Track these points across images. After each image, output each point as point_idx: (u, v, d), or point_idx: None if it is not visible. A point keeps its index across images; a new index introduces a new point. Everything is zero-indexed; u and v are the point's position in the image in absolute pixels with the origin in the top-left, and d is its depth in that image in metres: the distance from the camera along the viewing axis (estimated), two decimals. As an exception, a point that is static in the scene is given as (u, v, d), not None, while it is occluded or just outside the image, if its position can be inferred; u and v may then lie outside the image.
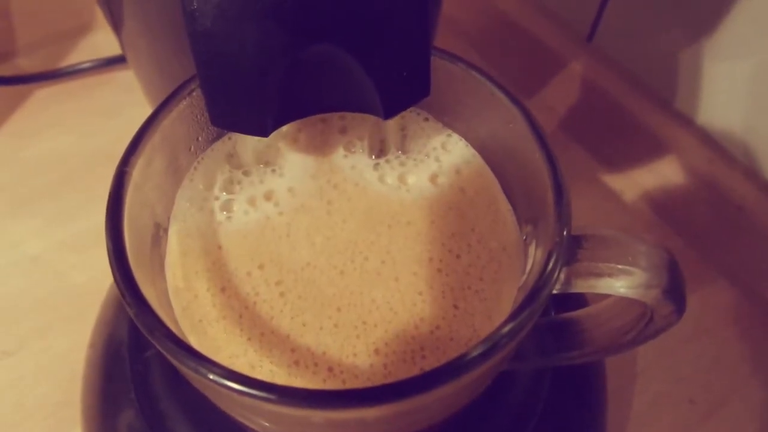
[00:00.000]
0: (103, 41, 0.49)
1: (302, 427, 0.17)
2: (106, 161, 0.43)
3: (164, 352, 0.16)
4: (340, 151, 0.21)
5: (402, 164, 0.21)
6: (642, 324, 0.23)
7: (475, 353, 0.15)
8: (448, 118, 0.22)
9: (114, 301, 0.33)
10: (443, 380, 0.15)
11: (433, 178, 0.21)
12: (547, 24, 0.45)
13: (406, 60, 0.19)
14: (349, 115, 0.21)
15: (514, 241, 0.20)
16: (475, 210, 0.20)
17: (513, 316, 0.16)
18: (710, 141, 0.39)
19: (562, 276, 0.19)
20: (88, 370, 0.32)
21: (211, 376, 0.15)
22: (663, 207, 0.41)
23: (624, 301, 0.23)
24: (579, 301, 0.33)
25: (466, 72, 0.21)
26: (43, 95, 0.46)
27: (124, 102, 0.45)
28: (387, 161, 0.21)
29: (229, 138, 0.21)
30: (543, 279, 0.17)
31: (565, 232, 0.18)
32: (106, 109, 0.45)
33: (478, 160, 0.21)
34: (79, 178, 0.43)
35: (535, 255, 0.19)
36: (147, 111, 0.20)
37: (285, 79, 0.18)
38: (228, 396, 0.16)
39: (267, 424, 0.18)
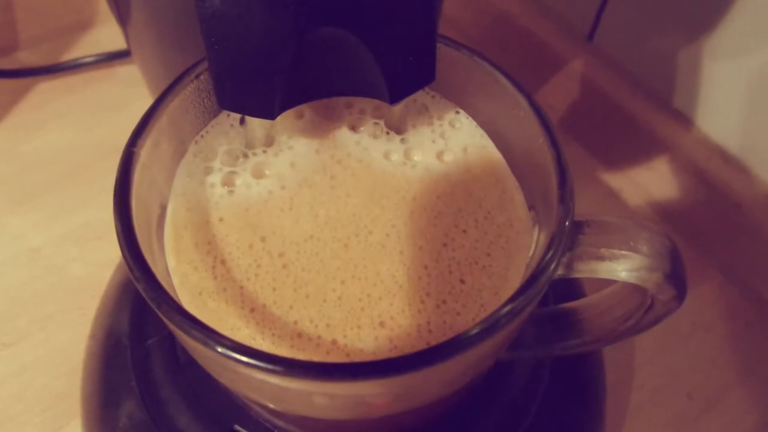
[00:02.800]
0: (104, 37, 0.49)
1: (304, 405, 0.17)
2: (107, 155, 0.43)
3: (172, 326, 0.16)
4: (345, 127, 0.21)
5: (408, 141, 0.21)
6: (641, 312, 0.23)
7: (478, 330, 0.15)
8: (454, 103, 0.22)
9: (115, 292, 0.32)
10: (448, 355, 0.15)
11: (440, 155, 0.21)
12: (547, 23, 0.45)
13: (411, 45, 0.19)
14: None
15: (521, 217, 0.20)
16: (482, 187, 0.20)
17: (516, 296, 0.16)
18: (708, 140, 0.39)
19: (564, 260, 0.19)
20: (88, 360, 0.32)
21: (219, 349, 0.15)
22: (661, 205, 0.41)
23: (624, 290, 0.23)
24: (579, 292, 0.33)
25: (471, 59, 0.21)
26: (44, 89, 0.46)
27: (125, 96, 0.45)
28: (392, 137, 0.21)
29: (229, 115, 0.21)
30: (545, 261, 0.16)
31: (568, 216, 0.18)
32: (107, 104, 0.45)
33: (486, 139, 0.21)
34: (81, 172, 0.42)
35: (538, 239, 0.19)
36: (150, 105, 0.20)
37: (293, 63, 0.18)
38: (232, 369, 0.16)
39: (270, 402, 0.17)
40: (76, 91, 0.46)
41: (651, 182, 0.41)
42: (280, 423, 0.25)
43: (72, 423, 0.33)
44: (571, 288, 0.32)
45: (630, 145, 0.42)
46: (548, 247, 0.17)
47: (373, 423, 0.21)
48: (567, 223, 0.17)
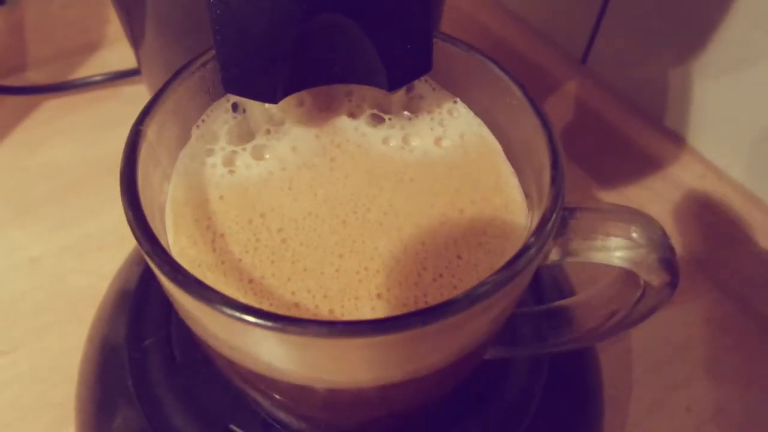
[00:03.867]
0: (111, 58, 0.50)
1: (299, 374, 0.17)
2: (109, 170, 0.43)
3: (177, 290, 0.16)
4: (345, 115, 0.22)
5: (406, 128, 0.21)
6: (633, 301, 0.23)
7: (470, 294, 0.15)
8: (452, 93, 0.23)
9: (113, 298, 0.32)
10: (441, 316, 0.15)
11: (437, 141, 0.21)
12: (542, 48, 0.47)
13: (409, 35, 0.20)
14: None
15: (517, 200, 0.20)
16: (479, 171, 0.20)
17: (510, 262, 0.16)
18: (701, 157, 0.40)
19: (559, 243, 0.19)
20: (84, 364, 0.32)
21: (226, 310, 0.15)
22: (657, 222, 0.42)
23: (617, 283, 0.24)
24: (573, 293, 0.34)
25: (468, 53, 0.22)
26: (51, 107, 0.47)
27: (129, 115, 0.45)
28: (391, 125, 0.21)
29: (232, 97, 0.22)
30: (539, 234, 0.17)
31: (559, 194, 0.18)
32: (111, 121, 0.46)
33: (483, 127, 0.22)
34: (83, 186, 0.43)
35: (532, 224, 0.20)
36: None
37: (295, 49, 0.19)
38: (234, 333, 0.16)
39: (265, 372, 0.18)
40: (82, 109, 0.47)
41: (645, 200, 0.42)
42: (276, 414, 0.25)
43: (66, 430, 0.33)
44: (564, 288, 0.33)
45: (624, 163, 0.43)
46: (541, 222, 0.17)
47: (368, 413, 0.21)
48: (558, 202, 0.18)
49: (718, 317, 0.38)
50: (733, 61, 0.36)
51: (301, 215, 0.19)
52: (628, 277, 0.23)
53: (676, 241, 0.41)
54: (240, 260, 0.18)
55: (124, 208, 0.17)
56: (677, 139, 0.41)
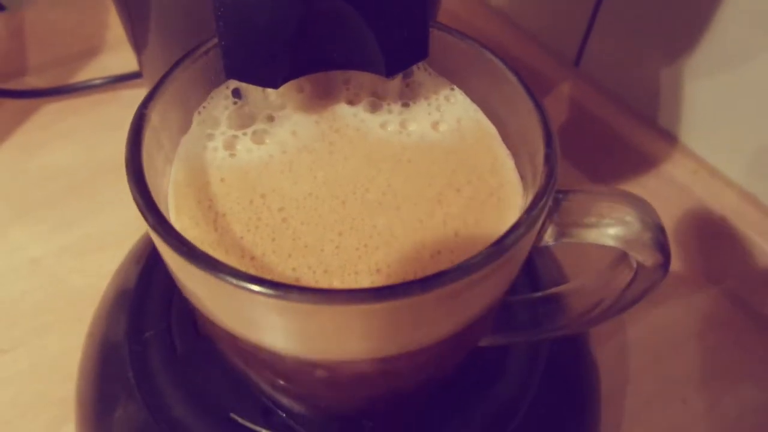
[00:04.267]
0: (111, 64, 0.50)
1: (300, 342, 0.17)
2: (109, 172, 0.44)
3: (182, 263, 0.16)
4: (344, 102, 0.22)
5: (404, 113, 0.22)
6: (626, 283, 0.23)
7: (467, 264, 0.16)
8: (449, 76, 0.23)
9: (114, 294, 0.33)
10: (439, 284, 0.15)
11: (434, 126, 0.22)
12: (536, 51, 0.47)
13: (406, 22, 0.20)
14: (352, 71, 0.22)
15: (512, 181, 0.20)
16: (475, 153, 0.21)
17: (507, 234, 0.17)
18: (693, 155, 0.41)
19: (554, 223, 0.20)
20: (84, 359, 0.32)
21: (230, 279, 0.15)
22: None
23: (609, 270, 0.24)
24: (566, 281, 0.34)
25: (463, 41, 0.22)
26: (51, 110, 0.47)
27: (129, 118, 0.46)
28: (389, 110, 0.22)
29: (232, 84, 0.22)
30: (533, 208, 0.17)
31: (553, 172, 0.18)
32: (111, 124, 0.46)
33: (479, 113, 0.22)
34: (83, 188, 0.43)
35: (526, 202, 0.20)
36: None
37: (295, 35, 0.19)
38: (237, 301, 0.16)
39: (267, 342, 0.18)
40: (82, 113, 0.47)
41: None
42: (276, 398, 0.25)
43: (65, 427, 0.33)
44: (558, 280, 0.33)
45: (618, 162, 0.43)
46: (535, 198, 0.18)
47: (367, 391, 0.21)
48: (552, 180, 0.18)
49: (712, 313, 0.38)
50: (722, 60, 0.37)
51: (301, 196, 0.19)
52: (620, 261, 0.24)
53: (670, 237, 0.41)
54: (242, 238, 0.18)
55: (130, 185, 0.17)
56: (670, 138, 0.42)
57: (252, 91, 0.22)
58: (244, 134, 0.21)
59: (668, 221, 0.42)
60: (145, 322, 0.30)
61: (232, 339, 0.19)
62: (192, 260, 0.16)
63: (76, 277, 0.39)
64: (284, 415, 0.26)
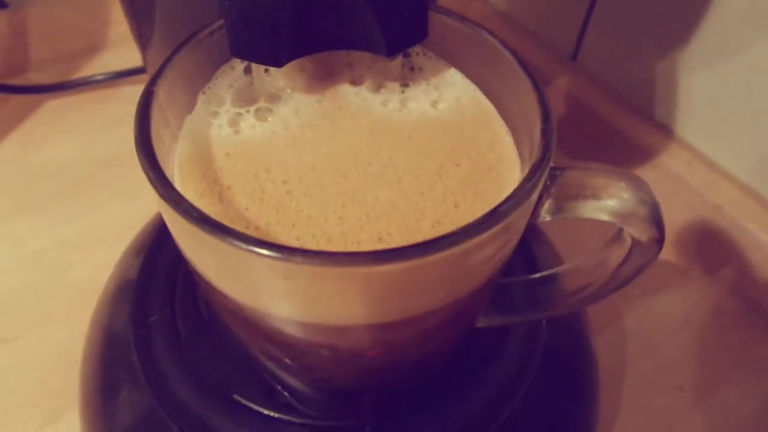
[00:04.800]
0: (112, 61, 0.51)
1: (301, 306, 0.18)
2: (111, 166, 0.44)
3: (190, 229, 0.16)
4: (346, 83, 0.23)
5: (404, 93, 0.22)
6: (620, 260, 0.24)
7: (465, 230, 0.16)
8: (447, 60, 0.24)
9: (117, 282, 0.33)
10: (435, 249, 0.16)
11: (434, 104, 0.22)
12: (533, 47, 0.48)
13: (406, 3, 0.21)
14: (354, 52, 0.23)
15: (511, 156, 0.21)
16: (474, 130, 0.21)
17: (505, 201, 0.17)
18: (688, 146, 0.41)
19: (548, 202, 0.20)
20: (88, 345, 0.32)
21: (238, 243, 0.15)
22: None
23: (604, 249, 0.24)
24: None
25: (462, 24, 0.23)
26: (54, 106, 0.48)
27: (130, 114, 0.46)
28: (390, 90, 0.22)
29: (237, 64, 0.22)
30: (530, 179, 0.18)
31: (549, 145, 0.19)
32: (113, 120, 0.47)
33: (477, 92, 0.23)
34: (85, 181, 0.44)
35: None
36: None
37: (298, 14, 0.20)
38: (241, 266, 0.17)
39: (270, 309, 0.18)
40: (84, 108, 0.48)
41: (636, 190, 0.43)
42: (279, 375, 0.26)
43: (66, 416, 0.33)
44: (555, 262, 0.33)
45: (615, 155, 0.44)
46: (532, 169, 0.18)
47: (368, 362, 0.22)
48: (548, 152, 0.19)
49: (708, 301, 0.39)
50: (716, 53, 0.38)
51: (304, 169, 0.20)
52: (615, 240, 0.24)
53: (666, 227, 0.42)
54: (246, 209, 0.19)
55: (139, 157, 0.18)
56: (666, 130, 0.42)
57: (256, 72, 0.22)
58: (248, 111, 0.21)
59: (664, 211, 0.42)
60: (149, 307, 0.31)
61: (238, 310, 0.19)
62: (201, 226, 0.16)
63: (77, 269, 0.40)
64: (287, 394, 0.26)
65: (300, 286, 0.17)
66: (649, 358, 0.36)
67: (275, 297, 0.17)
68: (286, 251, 0.15)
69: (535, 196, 0.18)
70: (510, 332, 0.31)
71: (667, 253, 0.41)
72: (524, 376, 0.30)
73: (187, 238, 0.18)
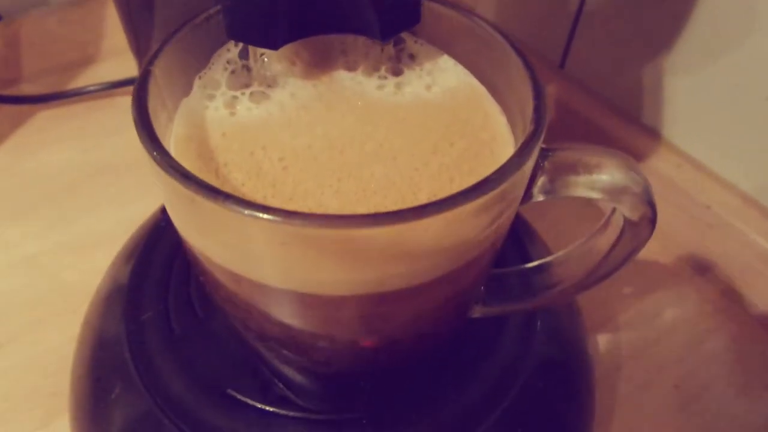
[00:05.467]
0: (105, 73, 0.51)
1: (300, 274, 0.18)
2: (105, 173, 0.44)
3: (188, 196, 0.16)
4: (341, 69, 0.23)
5: (398, 78, 0.23)
6: (612, 243, 0.24)
7: (457, 196, 0.16)
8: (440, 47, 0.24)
9: (110, 281, 0.33)
10: (430, 212, 0.16)
11: (428, 87, 0.22)
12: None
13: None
14: (349, 39, 0.23)
15: (504, 134, 0.21)
16: (467, 111, 0.22)
17: (498, 170, 0.17)
18: (676, 149, 0.42)
19: (541, 180, 0.21)
20: (80, 346, 0.32)
21: (236, 207, 0.15)
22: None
23: (596, 233, 0.25)
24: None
25: (452, 11, 0.23)
26: (47, 116, 0.48)
27: (125, 123, 0.46)
28: (384, 76, 0.23)
29: (235, 45, 0.23)
30: (522, 152, 0.18)
31: (541, 119, 0.19)
32: (106, 129, 0.47)
33: (470, 76, 0.23)
34: (79, 188, 0.44)
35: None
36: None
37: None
38: (242, 242, 0.17)
39: (268, 279, 0.18)
40: (77, 118, 0.48)
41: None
42: (274, 363, 0.25)
43: (59, 420, 0.33)
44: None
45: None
46: (524, 142, 0.18)
47: (364, 335, 0.22)
48: (540, 126, 0.19)
49: (702, 301, 0.39)
50: (699, 57, 0.38)
51: (300, 147, 0.20)
52: (606, 225, 0.24)
53: (657, 230, 0.42)
54: (243, 185, 0.19)
55: (137, 129, 0.18)
56: (653, 134, 0.43)
57: (252, 57, 0.23)
58: (243, 94, 0.22)
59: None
60: (142, 305, 0.30)
61: (235, 287, 0.19)
62: (199, 191, 0.16)
63: (70, 273, 0.39)
64: (283, 386, 0.26)
65: (298, 253, 0.17)
66: (644, 357, 0.36)
67: (273, 266, 0.17)
68: (284, 214, 0.15)
69: (529, 165, 0.18)
70: (504, 329, 0.31)
71: (659, 254, 0.41)
72: (519, 373, 0.30)
73: (185, 209, 0.18)
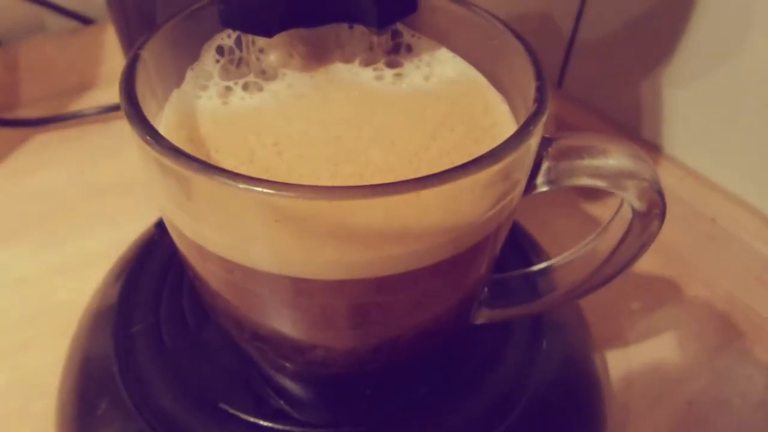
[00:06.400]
0: (102, 99, 0.51)
1: (296, 256, 0.17)
2: (96, 194, 0.44)
3: (182, 173, 0.16)
4: (338, 62, 0.22)
5: (395, 69, 0.22)
6: (620, 238, 0.23)
7: (456, 169, 0.16)
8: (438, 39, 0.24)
9: (100, 301, 0.32)
10: (427, 184, 0.15)
11: (426, 78, 0.22)
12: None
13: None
14: (346, 32, 0.23)
15: (506, 119, 0.21)
16: (467, 99, 0.21)
17: (498, 147, 0.17)
18: (677, 162, 0.41)
19: (546, 167, 0.20)
20: (68, 363, 0.31)
21: (231, 181, 0.15)
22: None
23: (602, 231, 0.24)
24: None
25: (449, 2, 0.23)
26: (42, 140, 0.48)
27: (119, 147, 0.46)
28: (382, 68, 0.22)
29: (228, 36, 0.22)
30: (523, 130, 0.17)
31: (543, 98, 0.19)
32: (101, 152, 0.46)
33: (470, 68, 0.23)
34: (70, 209, 0.43)
35: None
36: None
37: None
38: (237, 221, 0.16)
39: (259, 264, 0.17)
40: (72, 141, 0.47)
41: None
42: (267, 366, 0.24)
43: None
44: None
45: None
46: (526, 121, 0.18)
47: (363, 326, 0.20)
48: (542, 107, 0.18)
49: (711, 315, 0.38)
50: (696, 69, 0.38)
51: (296, 133, 0.19)
52: (612, 222, 0.23)
53: (662, 243, 0.41)
54: (236, 169, 0.18)
55: (124, 107, 0.17)
56: (654, 148, 0.42)
57: (246, 48, 0.22)
58: (236, 84, 0.21)
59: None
60: (132, 319, 0.29)
61: (228, 274, 0.18)
62: (192, 166, 0.15)
63: (59, 294, 0.38)
64: (277, 396, 0.25)
65: (293, 231, 0.16)
66: (656, 373, 0.35)
67: (268, 247, 0.16)
68: (279, 186, 0.15)
69: (531, 143, 0.18)
70: (509, 341, 0.30)
71: (665, 268, 0.40)
72: (525, 387, 0.29)
73: (179, 191, 0.17)
